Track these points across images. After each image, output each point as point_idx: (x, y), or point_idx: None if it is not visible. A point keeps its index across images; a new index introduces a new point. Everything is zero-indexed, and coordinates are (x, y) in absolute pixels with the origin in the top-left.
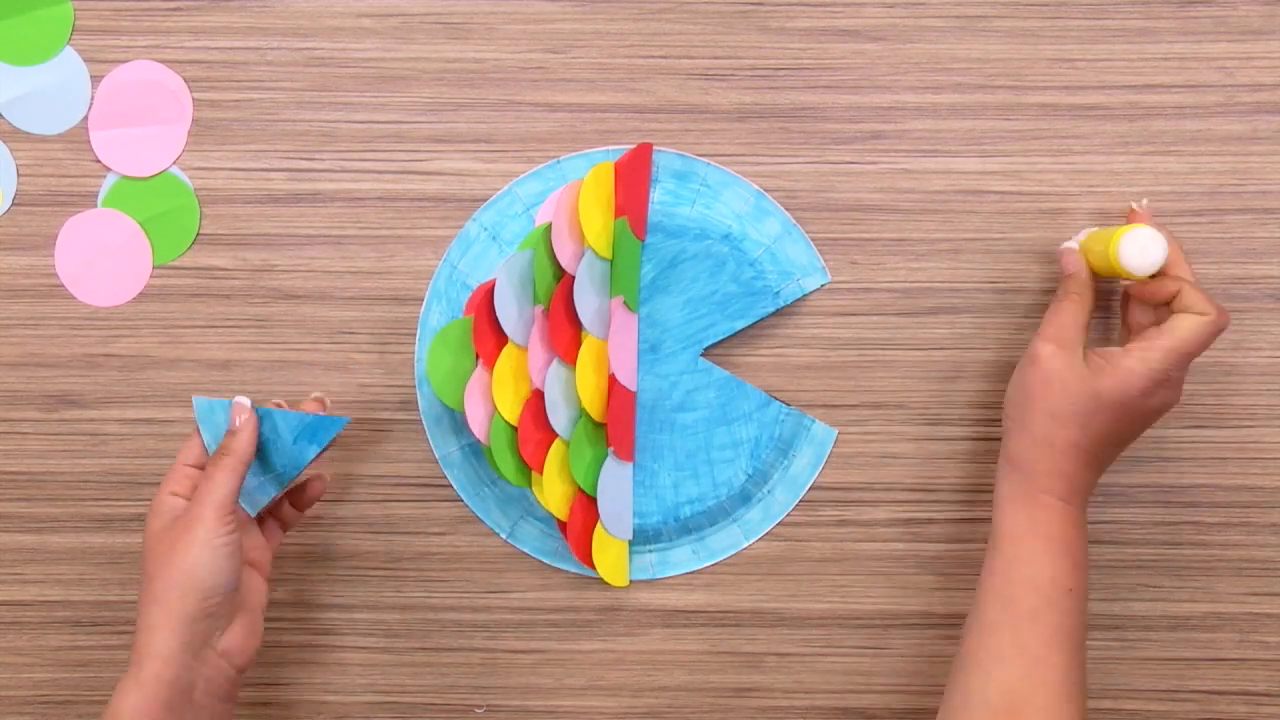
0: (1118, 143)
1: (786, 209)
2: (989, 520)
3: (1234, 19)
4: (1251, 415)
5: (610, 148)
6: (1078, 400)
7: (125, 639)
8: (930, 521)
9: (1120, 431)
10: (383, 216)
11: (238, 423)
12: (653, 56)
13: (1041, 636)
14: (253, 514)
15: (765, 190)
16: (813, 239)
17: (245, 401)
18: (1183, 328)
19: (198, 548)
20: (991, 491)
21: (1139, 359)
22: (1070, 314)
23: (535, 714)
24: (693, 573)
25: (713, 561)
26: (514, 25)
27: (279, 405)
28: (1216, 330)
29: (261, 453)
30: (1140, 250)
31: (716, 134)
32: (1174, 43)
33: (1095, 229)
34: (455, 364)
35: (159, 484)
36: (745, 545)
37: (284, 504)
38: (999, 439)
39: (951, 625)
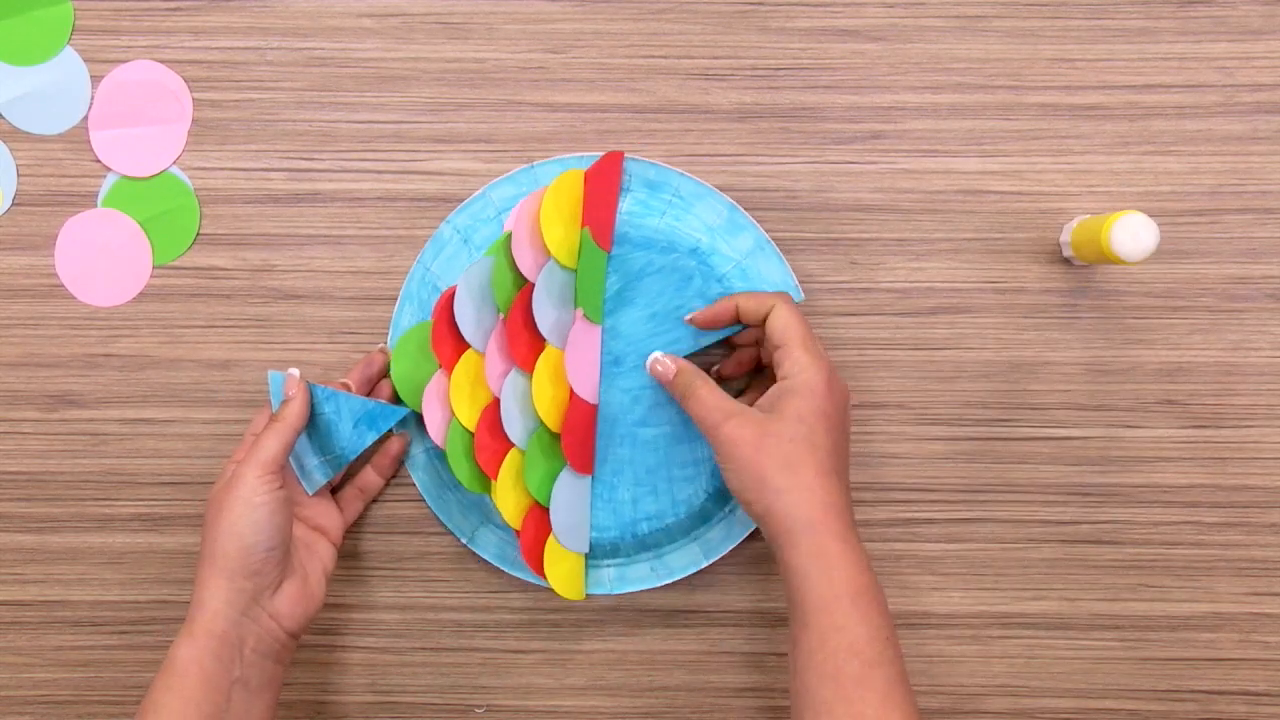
0: (1118, 143)
1: (785, 209)
2: (989, 520)
3: (1234, 19)
4: (1251, 415)
5: (584, 154)
6: (794, 437)
7: (125, 639)
8: (930, 521)
9: (836, 433)
10: (383, 216)
11: (289, 392)
12: (653, 56)
13: (875, 700)
14: (310, 492)
15: (765, 189)
16: (813, 239)
17: (295, 372)
18: (779, 327)
19: (239, 505)
20: (991, 492)
21: (796, 369)
22: (712, 394)
23: (535, 714)
24: (693, 573)
25: (670, 580)
26: (514, 25)
27: (345, 387)
28: (790, 302)
29: (323, 434)
30: (1133, 236)
31: (716, 134)
32: (1174, 43)
33: (1086, 217)
34: (415, 367)
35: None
36: (704, 565)
37: (367, 471)
38: (999, 439)
39: (952, 625)
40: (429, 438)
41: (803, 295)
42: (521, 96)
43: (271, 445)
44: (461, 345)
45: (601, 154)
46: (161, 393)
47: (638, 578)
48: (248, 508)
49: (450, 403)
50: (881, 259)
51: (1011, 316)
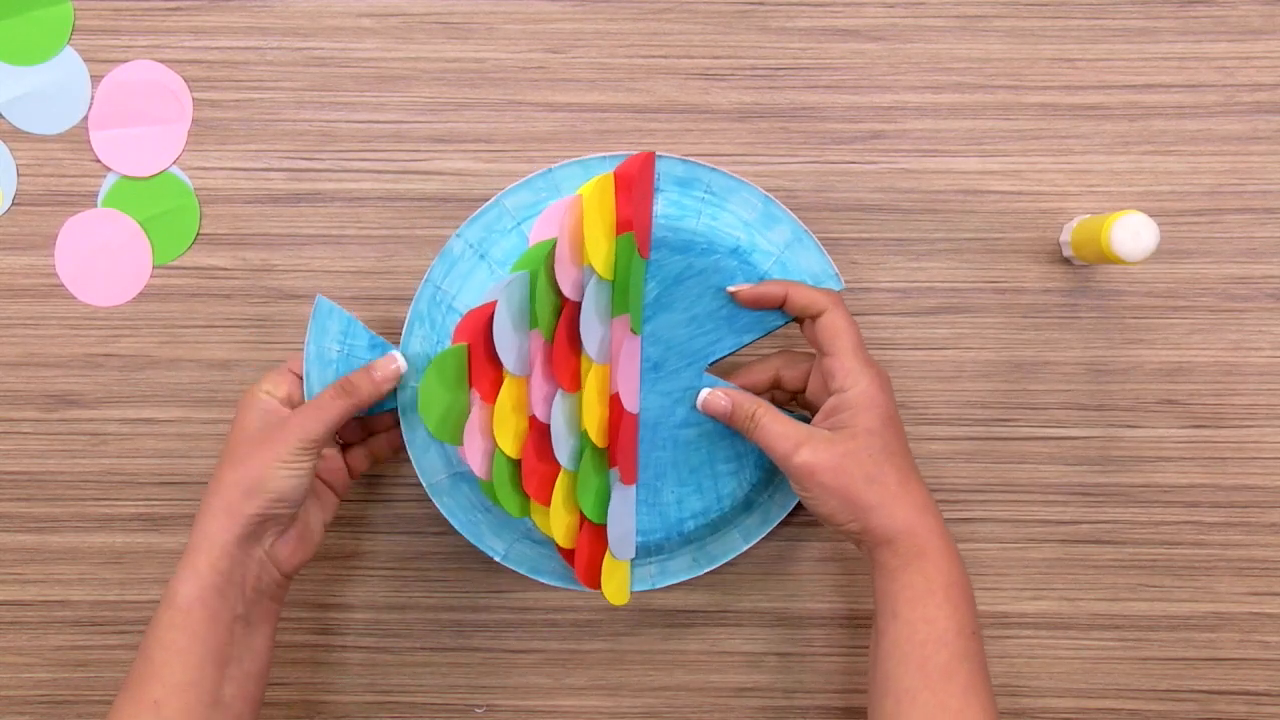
0: (1118, 143)
1: (791, 211)
2: (989, 520)
3: (1234, 19)
4: (1251, 415)
5: (606, 154)
6: (871, 452)
7: (125, 639)
8: None
9: (901, 432)
10: (383, 216)
11: (378, 374)
12: (653, 56)
13: (958, 692)
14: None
15: (769, 191)
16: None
17: (398, 356)
18: (831, 333)
19: (275, 465)
20: (991, 492)
21: (851, 380)
22: (776, 422)
23: (535, 714)
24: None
25: (711, 568)
26: (514, 25)
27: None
28: (841, 305)
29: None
30: (1133, 235)
31: (717, 134)
32: (1174, 43)
33: (1086, 217)
34: (452, 400)
35: (254, 381)
36: (743, 549)
37: (381, 438)
38: (999, 439)
39: None
40: (459, 460)
41: (843, 284)
42: (521, 96)
43: (328, 420)
44: (500, 373)
45: (614, 153)
46: (161, 393)
47: (678, 570)
48: (282, 471)
49: (493, 434)
50: (881, 259)
51: (1011, 316)
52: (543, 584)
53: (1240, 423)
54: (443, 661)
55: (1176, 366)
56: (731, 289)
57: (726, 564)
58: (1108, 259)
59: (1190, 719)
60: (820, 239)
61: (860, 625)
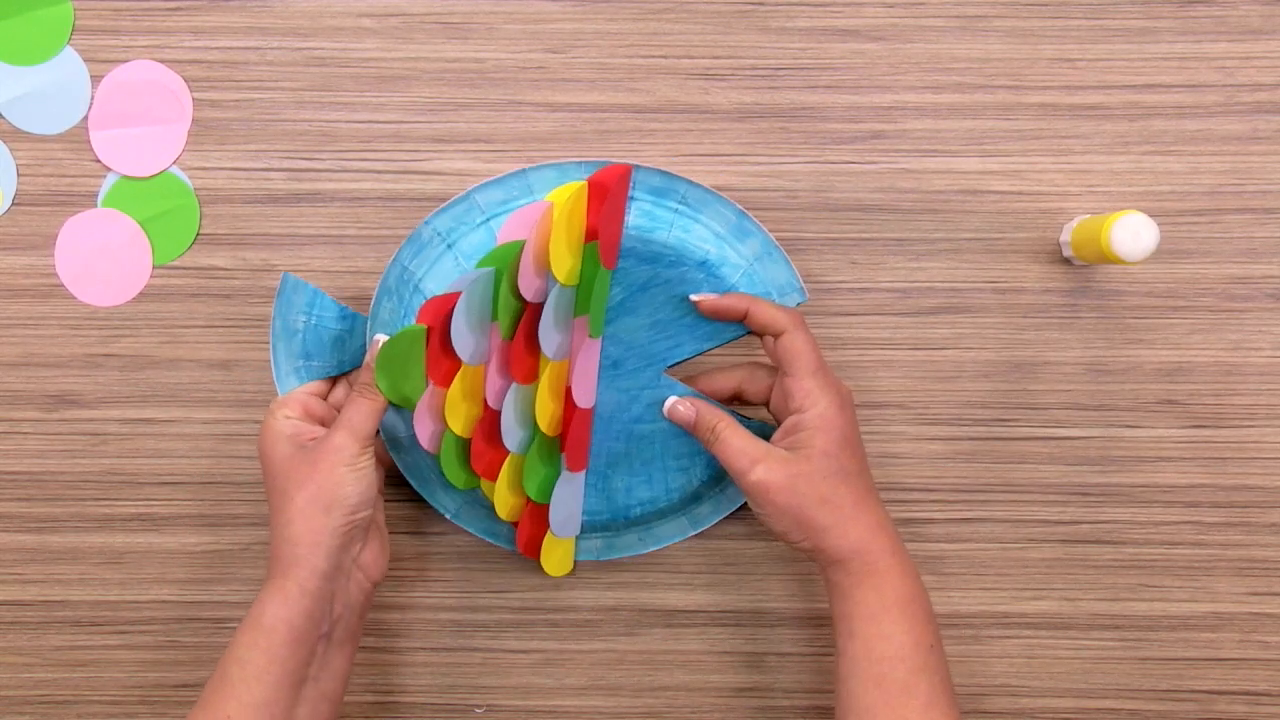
0: (1118, 143)
1: (785, 209)
2: (989, 520)
3: (1234, 19)
4: (1251, 415)
5: (583, 160)
6: (826, 473)
7: (125, 639)
8: (930, 521)
9: (859, 452)
10: (383, 216)
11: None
12: (653, 56)
13: (919, 705)
14: (280, 392)
15: (765, 189)
16: (813, 239)
17: (382, 339)
18: (790, 354)
19: (344, 469)
20: (991, 492)
21: (809, 401)
22: (735, 436)
23: (535, 714)
24: (693, 573)
25: (658, 547)
26: (514, 25)
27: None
28: (802, 325)
29: (308, 342)
30: (1133, 235)
31: (717, 134)
32: (1174, 43)
33: (1086, 217)
34: (407, 371)
35: (268, 407)
36: (691, 534)
37: (380, 444)
38: (999, 439)
39: (951, 625)
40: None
41: (807, 297)
42: (521, 96)
43: (371, 421)
44: (455, 363)
45: (594, 158)
46: (161, 393)
47: (625, 546)
48: (352, 473)
49: (444, 417)
50: (881, 259)
51: (1011, 316)
52: (542, 584)
53: (1240, 423)
54: (443, 661)
55: (1176, 366)
56: (695, 298)
57: (727, 563)
58: (1108, 259)
59: (1190, 719)
60: (820, 239)
61: None
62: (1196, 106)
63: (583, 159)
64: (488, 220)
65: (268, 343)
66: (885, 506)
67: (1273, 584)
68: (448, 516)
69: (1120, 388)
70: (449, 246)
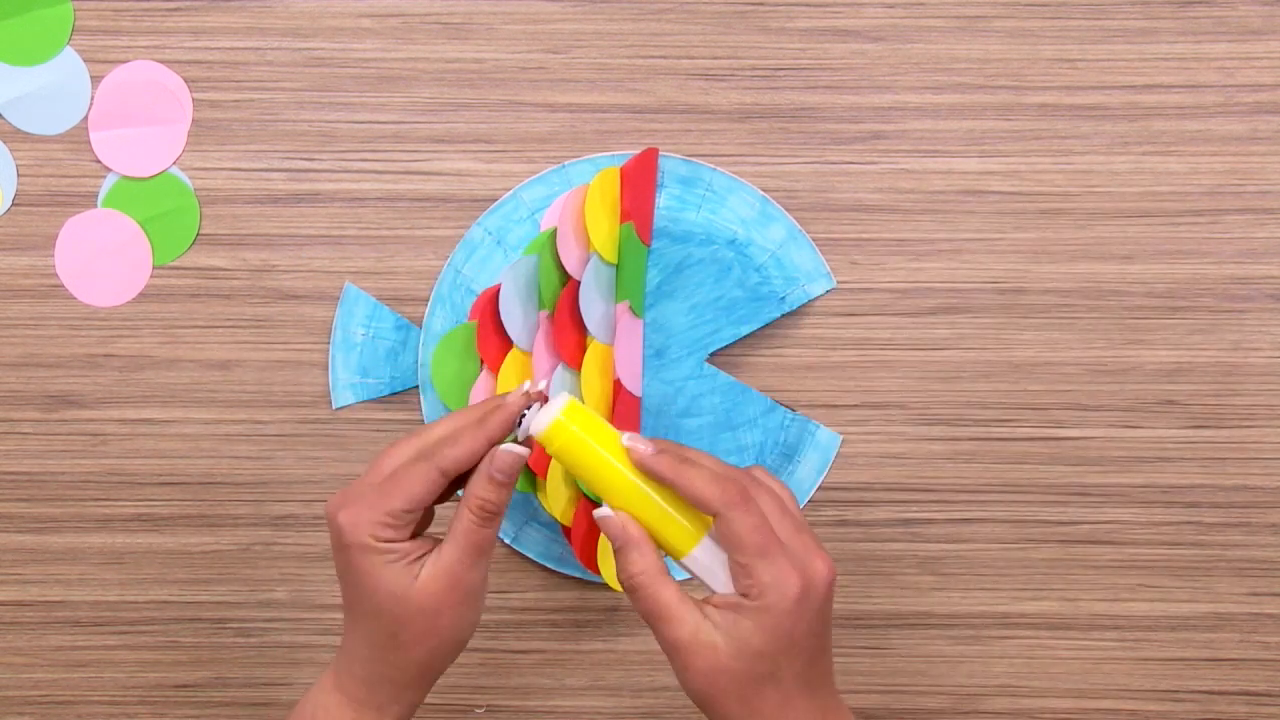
0: (1118, 143)
1: (788, 211)
2: (989, 520)
3: (1234, 19)
4: (1251, 415)
5: (615, 152)
6: (755, 677)
7: (125, 639)
8: (930, 521)
9: (808, 652)
10: (383, 216)
11: (503, 459)
12: (653, 56)
13: None
14: (335, 406)
15: (768, 192)
16: (813, 240)
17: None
18: (727, 540)
19: (472, 615)
20: (991, 492)
21: (756, 591)
22: (673, 591)
23: (535, 714)
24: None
25: None
26: (514, 25)
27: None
28: (742, 503)
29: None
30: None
31: (717, 134)
32: (1174, 43)
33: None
34: (460, 368)
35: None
36: None
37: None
38: (999, 439)
39: (952, 625)
40: None
41: (835, 283)
42: (521, 96)
43: (492, 543)
44: (506, 345)
45: (624, 152)
46: (161, 393)
47: None
48: (475, 615)
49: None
50: (881, 259)
51: (1011, 316)
52: (542, 584)
53: (1240, 423)
54: None
55: (1176, 367)
56: (626, 443)
57: None
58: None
59: (1190, 719)
60: (820, 239)
61: (863, 625)
62: (1196, 107)
63: (615, 152)
64: (533, 214)
65: (268, 343)
66: (830, 691)
67: (1273, 584)
68: (507, 541)
69: (1120, 388)
70: (498, 243)
